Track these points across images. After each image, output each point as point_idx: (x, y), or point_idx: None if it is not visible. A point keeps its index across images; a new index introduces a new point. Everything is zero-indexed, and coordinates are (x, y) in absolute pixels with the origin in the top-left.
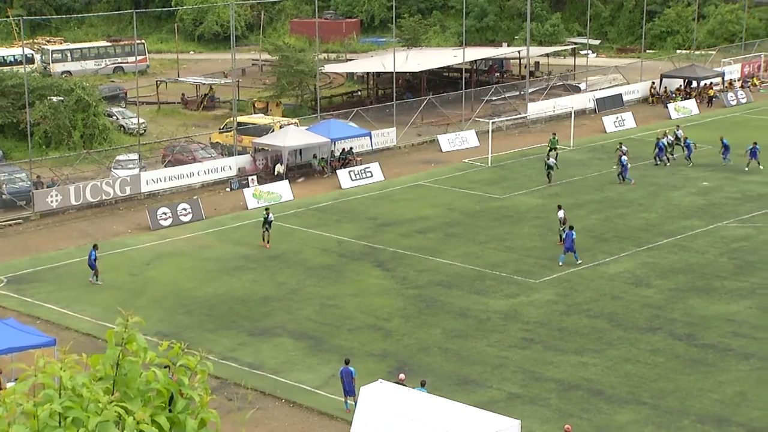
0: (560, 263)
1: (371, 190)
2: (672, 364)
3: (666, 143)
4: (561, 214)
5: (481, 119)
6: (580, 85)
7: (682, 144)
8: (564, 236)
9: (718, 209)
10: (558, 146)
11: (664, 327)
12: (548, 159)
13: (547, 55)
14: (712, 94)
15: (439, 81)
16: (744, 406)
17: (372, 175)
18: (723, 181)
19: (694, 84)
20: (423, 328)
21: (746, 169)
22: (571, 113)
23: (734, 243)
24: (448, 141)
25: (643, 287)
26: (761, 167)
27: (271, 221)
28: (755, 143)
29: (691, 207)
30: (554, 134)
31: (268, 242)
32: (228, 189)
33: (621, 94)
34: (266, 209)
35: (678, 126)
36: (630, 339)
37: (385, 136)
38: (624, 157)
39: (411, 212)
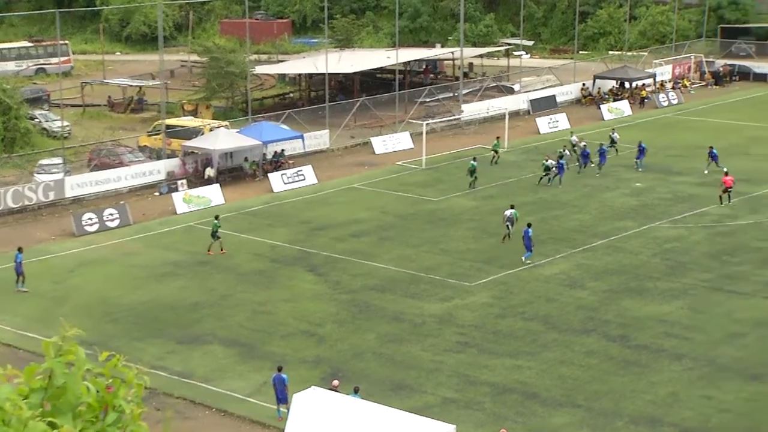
0: (526, 260)
1: (304, 194)
2: (606, 365)
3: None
4: (508, 213)
5: (414, 121)
6: (513, 87)
7: (598, 149)
8: (523, 234)
9: (650, 210)
10: (499, 149)
11: (598, 328)
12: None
13: (481, 56)
14: (644, 95)
15: (373, 82)
16: (676, 407)
17: (304, 178)
18: (655, 182)
19: (627, 85)
20: (357, 334)
21: (705, 172)
22: (505, 115)
23: (666, 243)
24: (382, 143)
25: (577, 289)
26: (706, 172)
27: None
28: (711, 147)
29: (625, 208)
30: (498, 138)
31: (222, 249)
32: (157, 193)
33: (555, 95)
34: (216, 217)
35: (614, 129)
36: (564, 341)
37: (318, 139)
38: (586, 150)
39: (344, 215)
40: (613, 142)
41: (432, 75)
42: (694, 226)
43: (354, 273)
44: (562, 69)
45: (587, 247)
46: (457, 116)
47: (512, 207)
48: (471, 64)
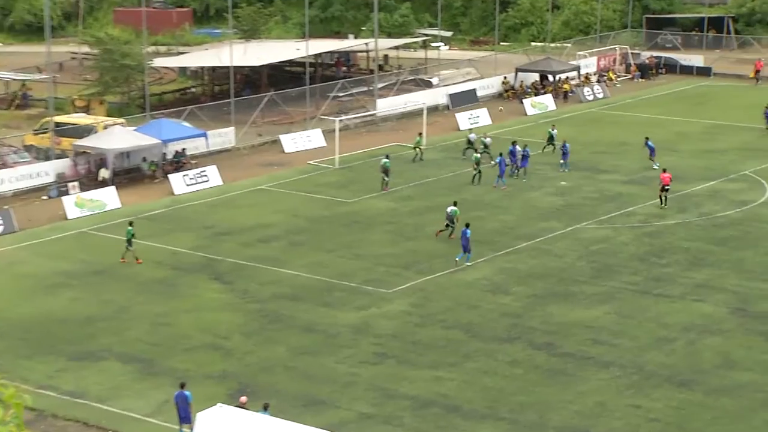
0: (467, 263)
1: (208, 196)
2: (531, 375)
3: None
4: (449, 210)
5: (327, 117)
6: (432, 80)
7: (522, 151)
8: (461, 235)
9: (576, 210)
10: (421, 146)
11: (523, 336)
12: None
13: (397, 47)
14: (567, 89)
15: (281, 76)
16: (604, 417)
17: (208, 180)
18: (581, 180)
19: (550, 78)
20: (266, 346)
21: (656, 167)
22: (423, 110)
23: (593, 245)
24: (292, 141)
25: (501, 294)
26: (656, 166)
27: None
28: (647, 138)
29: (550, 208)
30: (420, 134)
31: (137, 259)
32: (45, 197)
33: (475, 89)
34: (130, 223)
35: (553, 125)
36: (488, 350)
37: (223, 137)
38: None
39: (252, 219)
40: (551, 138)
41: (345, 68)
42: (621, 227)
43: (263, 281)
44: (482, 61)
45: (511, 249)
46: (372, 112)
47: (455, 204)
48: (386, 57)
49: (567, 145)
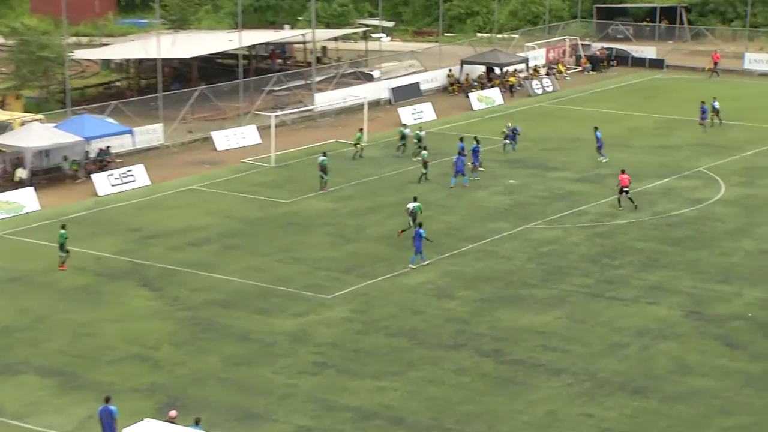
0: (423, 262)
1: (134, 197)
2: (479, 384)
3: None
4: (411, 206)
5: (262, 113)
6: (373, 73)
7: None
8: (414, 235)
9: (525, 209)
10: (362, 143)
11: (470, 343)
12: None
13: (336, 38)
14: (513, 83)
15: (213, 69)
16: (555, 427)
17: (135, 180)
18: (530, 178)
19: (497, 71)
20: (198, 356)
21: (605, 160)
22: (364, 105)
23: (542, 247)
24: (225, 138)
25: (446, 299)
26: (605, 160)
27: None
28: (596, 128)
29: (498, 208)
30: (361, 130)
31: (63, 264)
32: None
33: (418, 82)
34: (63, 226)
35: (509, 123)
36: (433, 358)
37: (151, 134)
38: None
39: (182, 221)
40: (515, 132)
41: (280, 60)
42: (572, 227)
43: (194, 287)
44: (426, 53)
45: (456, 252)
46: (309, 107)
47: (415, 199)
48: (325, 48)
49: (517, 127)
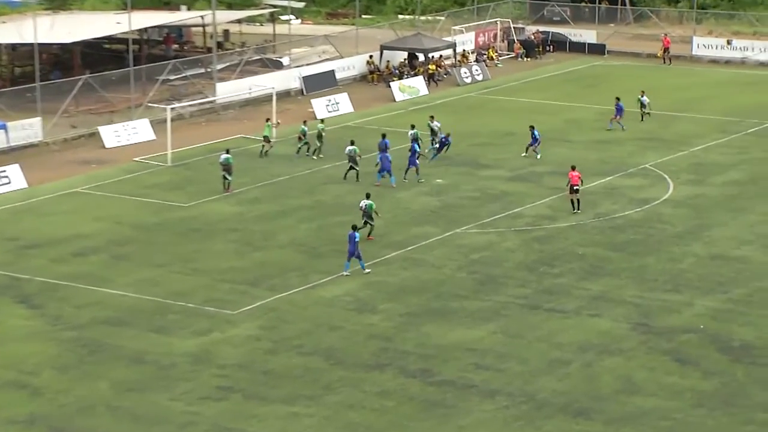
0: (345, 272)
1: (9, 202)
2: (405, 408)
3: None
4: (363, 204)
5: (156, 105)
6: (282, 60)
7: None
8: (348, 239)
9: (454, 212)
10: (272, 139)
11: (395, 362)
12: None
13: (239, 21)
14: (433, 70)
15: (99, 56)
16: None
17: (10, 182)
18: (459, 177)
19: (421, 57)
20: (85, 382)
21: (538, 157)
22: (272, 95)
23: (474, 253)
24: (114, 134)
25: (367, 313)
26: (538, 156)
27: None
28: (532, 127)
29: (424, 210)
30: (268, 119)
31: None
32: None
33: (334, 70)
34: None
35: (432, 117)
36: (353, 380)
37: (27, 129)
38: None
39: (66, 229)
40: (433, 132)
41: (177, 45)
42: (507, 231)
43: (80, 303)
44: (341, 38)
45: (379, 260)
46: (210, 98)
47: (367, 197)
48: (227, 32)
49: (449, 138)
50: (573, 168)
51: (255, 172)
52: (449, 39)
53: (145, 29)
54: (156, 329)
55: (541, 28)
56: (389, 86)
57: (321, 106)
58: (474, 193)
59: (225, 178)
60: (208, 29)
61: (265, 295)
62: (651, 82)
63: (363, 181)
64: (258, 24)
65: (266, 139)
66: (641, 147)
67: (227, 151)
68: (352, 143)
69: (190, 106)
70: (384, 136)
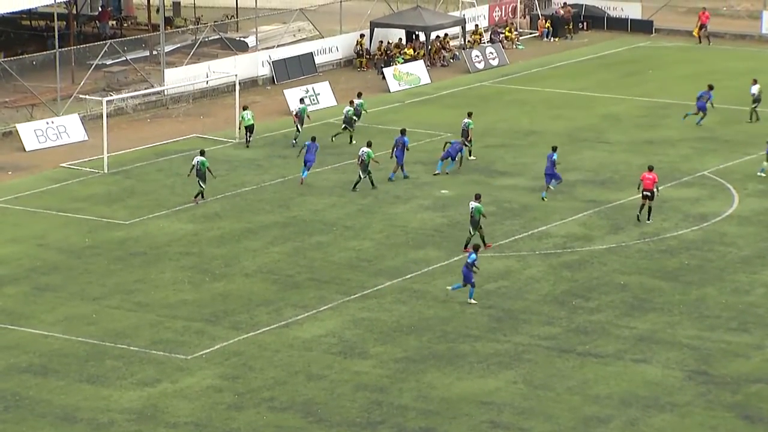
0: (450, 287)
1: None
2: None
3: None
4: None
5: (89, 96)
6: (247, 40)
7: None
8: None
9: (464, 231)
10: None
11: (389, 420)
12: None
13: None
14: (434, 51)
15: (17, 34)
16: None
17: None
18: (469, 187)
19: (422, 37)
20: None
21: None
22: (234, 85)
23: (489, 283)
24: (36, 133)
25: (356, 358)
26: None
27: None
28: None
29: (425, 229)
30: (246, 107)
31: None
32: None
33: (312, 53)
34: None
35: (470, 114)
36: None
37: None
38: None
39: None
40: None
41: (114, 22)
42: (530, 255)
43: None
44: (321, 13)
45: (369, 291)
46: (157, 88)
47: (477, 198)
48: (177, 5)
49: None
50: (650, 169)
51: (213, 180)
52: (456, 14)
53: (75, 1)
54: (90, 379)
55: (573, 1)
56: (382, 73)
57: (296, 98)
58: (488, 207)
59: (200, 185)
60: (154, 1)
61: (227, 335)
62: (707, 67)
63: (335, 193)
64: None
65: (247, 129)
66: (698, 150)
67: (201, 153)
68: (369, 145)
69: (132, 98)
70: (403, 132)
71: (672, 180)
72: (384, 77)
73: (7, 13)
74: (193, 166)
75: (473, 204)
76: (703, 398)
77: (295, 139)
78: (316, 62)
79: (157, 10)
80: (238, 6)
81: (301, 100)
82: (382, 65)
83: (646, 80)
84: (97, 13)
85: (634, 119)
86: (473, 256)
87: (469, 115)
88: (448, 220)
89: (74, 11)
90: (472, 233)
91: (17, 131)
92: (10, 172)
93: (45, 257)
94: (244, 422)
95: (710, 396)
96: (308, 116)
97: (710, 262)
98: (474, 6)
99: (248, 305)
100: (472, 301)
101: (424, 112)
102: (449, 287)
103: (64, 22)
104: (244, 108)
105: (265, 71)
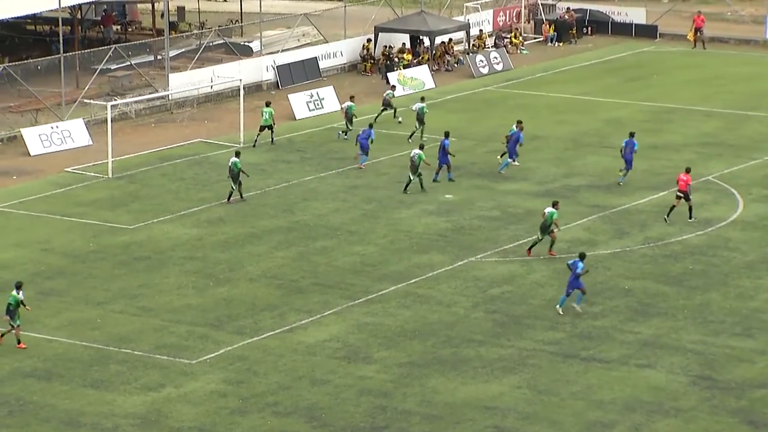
0: (576, 304)
1: None
2: None
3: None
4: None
5: (93, 101)
6: (251, 45)
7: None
8: (572, 269)
9: (468, 236)
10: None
11: (394, 425)
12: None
13: None
14: (439, 56)
15: (21, 40)
16: None
17: None
18: (474, 192)
19: (426, 41)
20: None
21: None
22: (238, 90)
23: (493, 288)
24: (41, 138)
25: (360, 363)
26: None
27: None
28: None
29: (429, 234)
30: (268, 104)
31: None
32: None
33: (316, 58)
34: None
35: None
36: None
37: None
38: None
39: None
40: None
41: (119, 27)
42: (534, 260)
43: None
44: (326, 17)
45: (373, 296)
46: (161, 93)
47: (554, 205)
48: (182, 9)
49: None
50: (687, 171)
51: (217, 185)
52: (461, 19)
53: (79, 6)
54: (94, 384)
55: (577, 6)
56: (386, 78)
57: (300, 103)
58: (492, 212)
59: (232, 187)
60: (159, 6)
61: (231, 340)
62: (712, 72)
63: (339, 198)
64: (221, 0)
65: (266, 128)
66: (702, 154)
67: (237, 154)
68: (421, 147)
69: (136, 102)
70: (446, 135)
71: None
72: (388, 82)
73: (12, 18)
74: (229, 167)
75: (548, 209)
76: (707, 403)
77: (344, 133)
78: (321, 67)
79: (162, 15)
80: (243, 11)
81: (351, 98)
82: (386, 70)
83: (650, 85)
84: (101, 18)
85: (638, 124)
86: (580, 264)
87: (518, 123)
88: (452, 224)
89: (79, 16)
90: (540, 238)
91: (22, 136)
92: (14, 177)
93: (49, 262)
94: (248, 427)
95: (715, 401)
96: (355, 115)
97: (715, 267)
98: (479, 11)
99: (252, 310)
100: (579, 309)
101: (428, 117)
102: (576, 305)
103: (69, 27)
104: (267, 104)
105: (270, 76)
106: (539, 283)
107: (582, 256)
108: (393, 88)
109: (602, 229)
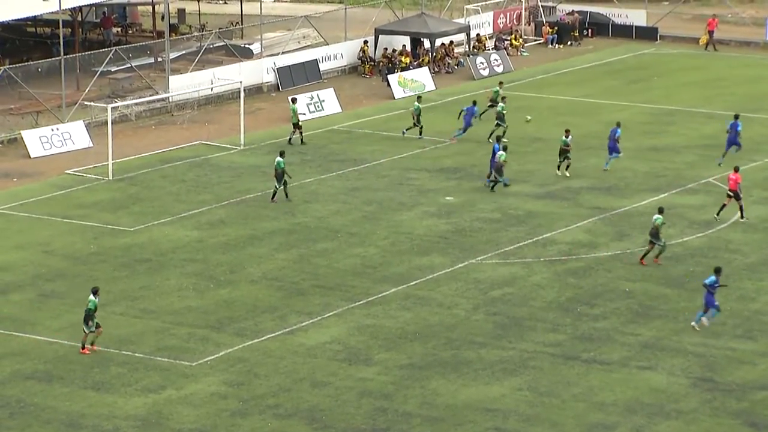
0: (705, 318)
1: None
2: None
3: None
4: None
5: (94, 103)
6: (251, 47)
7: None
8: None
9: (469, 238)
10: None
11: (394, 426)
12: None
13: None
14: (440, 58)
15: (21, 42)
16: None
17: None
18: (474, 194)
19: (426, 44)
20: None
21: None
22: (239, 92)
23: (494, 290)
24: (41, 140)
25: (360, 365)
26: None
27: None
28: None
29: (430, 236)
30: (294, 100)
31: None
32: None
33: (316, 60)
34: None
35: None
36: None
37: None
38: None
39: None
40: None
41: (119, 29)
42: (535, 262)
43: None
44: (326, 19)
45: (374, 298)
46: (162, 95)
47: (660, 211)
48: (182, 12)
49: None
50: (736, 170)
51: (218, 187)
52: (461, 21)
53: (80, 9)
54: (95, 386)
55: (577, 8)
56: (386, 80)
57: (301, 105)
58: (493, 213)
59: (275, 187)
60: (159, 8)
61: (232, 342)
62: (713, 74)
63: (339, 200)
64: (221, 2)
65: (296, 126)
66: (703, 156)
67: (281, 154)
68: (505, 149)
69: (137, 104)
70: (498, 140)
71: (677, 187)
72: (389, 84)
73: (13, 20)
74: (275, 167)
75: (657, 216)
76: (708, 405)
77: (408, 130)
78: (321, 69)
79: (162, 17)
80: (243, 13)
81: (418, 98)
82: (387, 72)
83: (651, 87)
84: (101, 20)
85: (639, 126)
86: (713, 278)
87: (566, 132)
88: (453, 226)
89: (79, 18)
90: (658, 244)
91: (22, 138)
92: (15, 179)
93: (50, 264)
94: (248, 429)
95: (716, 403)
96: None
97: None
98: (479, 13)
99: (253, 312)
100: (703, 323)
101: (429, 119)
102: (705, 320)
103: (69, 29)
104: (293, 101)
105: (270, 78)
106: (540, 285)
107: (718, 270)
108: (500, 84)
109: (603, 231)
